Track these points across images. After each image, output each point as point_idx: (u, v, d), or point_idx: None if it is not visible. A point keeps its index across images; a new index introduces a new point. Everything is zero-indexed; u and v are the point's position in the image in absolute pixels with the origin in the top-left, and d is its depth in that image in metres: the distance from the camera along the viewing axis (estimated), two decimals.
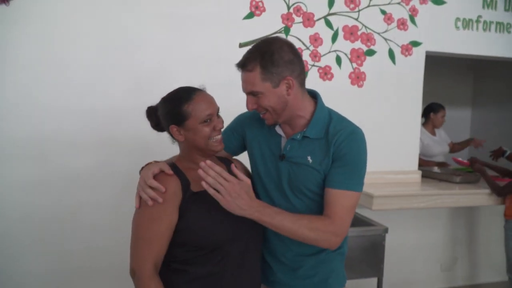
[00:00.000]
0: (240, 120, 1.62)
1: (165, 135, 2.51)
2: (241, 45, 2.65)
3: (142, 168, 1.40)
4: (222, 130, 1.40)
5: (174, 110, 1.33)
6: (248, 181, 1.23)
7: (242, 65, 1.33)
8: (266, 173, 1.46)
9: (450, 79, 6.24)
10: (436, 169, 3.43)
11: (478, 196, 2.97)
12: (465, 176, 3.20)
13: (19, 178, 2.35)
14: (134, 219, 1.33)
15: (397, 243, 3.15)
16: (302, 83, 1.38)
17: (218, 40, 2.62)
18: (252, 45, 1.38)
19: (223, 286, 1.32)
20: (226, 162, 1.50)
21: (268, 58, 1.29)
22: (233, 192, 1.19)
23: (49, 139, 2.37)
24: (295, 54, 1.34)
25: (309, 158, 1.37)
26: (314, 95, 1.47)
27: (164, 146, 2.47)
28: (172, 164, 1.39)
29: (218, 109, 1.38)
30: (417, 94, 3.11)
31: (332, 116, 1.42)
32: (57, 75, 2.36)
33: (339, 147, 1.33)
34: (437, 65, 4.27)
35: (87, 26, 2.38)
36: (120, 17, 2.43)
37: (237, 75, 2.57)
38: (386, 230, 2.47)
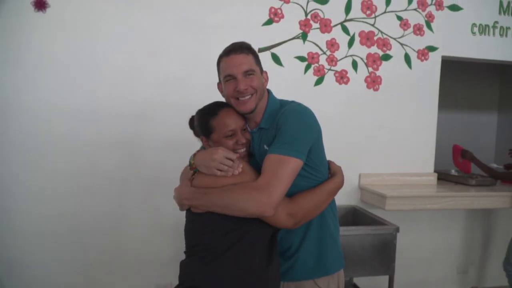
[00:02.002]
0: None
1: (187, 135, 2.69)
2: (260, 50, 2.78)
3: (194, 154, 1.49)
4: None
5: (203, 123, 1.50)
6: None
7: (238, 48, 1.48)
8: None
9: (475, 83, 6.18)
10: (453, 171, 3.46)
11: (494, 199, 3.00)
12: (481, 179, 3.23)
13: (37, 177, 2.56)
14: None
15: (412, 243, 3.21)
16: None
17: None
18: (230, 44, 1.52)
19: None
20: None
21: (255, 52, 1.54)
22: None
23: (80, 139, 2.58)
24: None
25: (265, 146, 1.48)
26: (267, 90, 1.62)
27: (186, 147, 2.65)
28: None
29: (243, 125, 1.50)
30: (433, 98, 3.17)
31: (282, 104, 1.54)
32: (89, 78, 2.56)
33: (278, 123, 1.44)
34: (460, 69, 4.29)
35: (116, 32, 2.58)
36: (147, 24, 2.62)
37: None
38: (397, 230, 2.54)
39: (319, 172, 1.53)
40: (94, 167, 2.61)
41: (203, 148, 1.58)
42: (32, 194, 2.54)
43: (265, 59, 2.79)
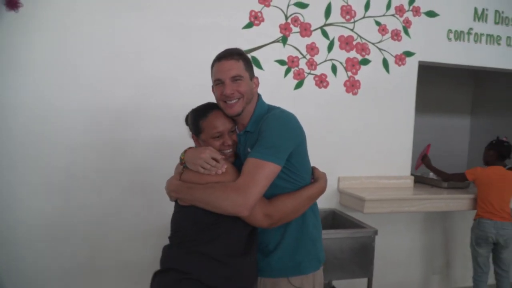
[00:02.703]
0: None
1: (167, 138, 2.65)
2: None
3: (185, 150, 1.57)
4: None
5: (194, 123, 1.60)
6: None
7: (229, 55, 1.55)
8: None
9: (449, 88, 6.34)
10: (431, 174, 3.54)
11: (467, 201, 3.09)
12: (454, 182, 3.31)
13: (25, 179, 2.49)
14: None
15: (390, 246, 3.25)
16: None
17: (219, 49, 2.70)
18: (225, 50, 1.60)
19: None
20: None
21: (247, 57, 1.61)
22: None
23: (56, 140, 2.51)
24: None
25: (248, 149, 1.54)
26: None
27: (168, 147, 2.62)
28: None
29: (230, 127, 1.58)
30: (410, 102, 3.23)
31: (269, 110, 1.61)
32: (67, 80, 2.50)
33: (260, 128, 1.50)
34: (436, 74, 4.38)
35: (96, 34, 2.52)
36: (129, 26, 2.58)
37: None
38: (375, 232, 2.57)
39: (299, 177, 1.58)
40: (70, 170, 2.55)
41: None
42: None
43: None
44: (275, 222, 1.48)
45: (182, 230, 1.50)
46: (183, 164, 1.55)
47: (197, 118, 1.57)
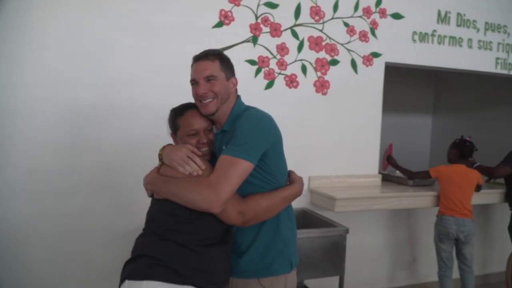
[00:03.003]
0: None
1: (132, 138, 2.58)
2: None
3: (164, 146, 1.62)
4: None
5: (172, 121, 1.65)
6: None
7: (204, 56, 1.59)
8: None
9: (411, 88, 6.53)
10: (397, 172, 3.63)
11: (431, 198, 3.18)
12: (419, 180, 3.40)
13: None
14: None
15: (359, 243, 3.31)
16: None
17: (188, 48, 2.67)
18: (204, 50, 1.64)
19: None
20: None
21: (225, 58, 1.64)
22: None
23: (17, 141, 2.39)
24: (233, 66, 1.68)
25: (224, 147, 1.55)
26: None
27: (133, 147, 2.56)
28: None
29: (206, 126, 1.61)
30: (377, 102, 3.29)
31: (246, 110, 1.60)
32: (28, 79, 2.38)
33: (235, 127, 1.51)
34: (400, 74, 4.49)
35: (58, 31, 2.42)
36: (92, 23, 2.48)
37: None
38: (347, 231, 2.61)
39: (274, 178, 1.59)
40: (32, 172, 2.43)
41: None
42: None
43: None
44: (248, 221, 1.49)
45: (154, 221, 1.52)
46: (161, 160, 1.60)
47: (175, 116, 1.63)
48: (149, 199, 1.63)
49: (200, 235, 1.46)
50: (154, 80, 2.62)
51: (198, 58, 1.61)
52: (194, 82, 1.60)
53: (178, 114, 1.63)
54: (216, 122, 1.65)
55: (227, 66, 1.62)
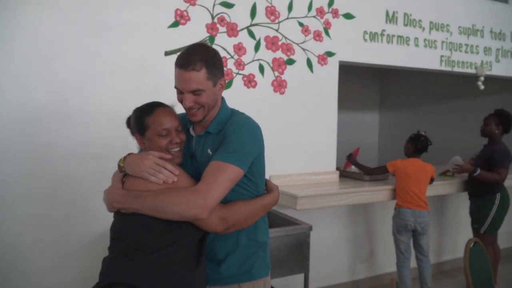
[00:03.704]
0: None
1: (88, 143, 2.46)
2: (167, 53, 2.67)
3: (124, 157, 1.47)
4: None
5: (138, 121, 1.50)
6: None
7: (189, 64, 1.42)
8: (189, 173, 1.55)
9: (359, 85, 6.76)
10: (352, 168, 3.72)
11: (387, 192, 3.30)
12: (375, 175, 3.52)
13: None
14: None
15: (320, 240, 3.36)
16: None
17: (143, 48, 2.62)
18: (187, 49, 1.49)
19: None
20: None
21: (211, 61, 1.47)
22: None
23: None
24: (222, 61, 1.57)
25: (209, 150, 1.52)
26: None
27: (87, 155, 2.43)
28: None
29: (177, 125, 1.50)
30: (333, 100, 3.36)
31: (233, 114, 1.59)
32: None
33: (226, 132, 1.48)
34: (347, 72, 4.63)
35: (3, 32, 2.25)
36: (40, 22, 2.34)
37: (163, 82, 2.60)
38: (310, 228, 2.63)
39: (255, 185, 1.57)
40: None
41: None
42: None
43: (172, 62, 2.67)
44: (230, 227, 1.44)
45: (126, 239, 1.39)
46: (123, 172, 1.46)
47: (142, 116, 1.49)
48: (104, 205, 1.49)
49: (178, 248, 1.38)
50: (108, 82, 2.51)
51: (181, 66, 1.44)
52: (179, 92, 1.49)
53: (146, 113, 1.49)
54: (198, 124, 1.58)
55: (214, 69, 1.48)
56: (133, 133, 1.56)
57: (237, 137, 1.45)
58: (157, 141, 1.47)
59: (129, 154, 1.50)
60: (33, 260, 2.40)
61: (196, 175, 1.46)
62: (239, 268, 1.55)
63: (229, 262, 1.54)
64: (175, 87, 1.49)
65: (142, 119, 1.49)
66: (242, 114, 1.60)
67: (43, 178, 2.40)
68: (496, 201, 3.44)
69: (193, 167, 1.53)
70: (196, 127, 1.60)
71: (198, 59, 1.43)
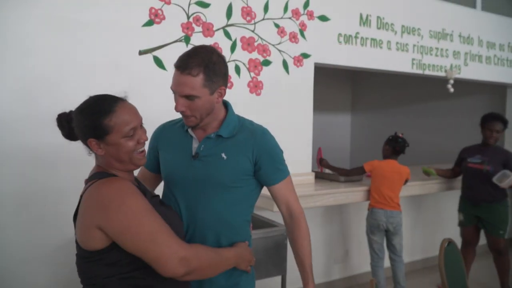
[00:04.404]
0: (154, 136, 1.66)
1: (59, 145, 2.36)
2: (141, 53, 2.61)
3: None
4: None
5: (94, 123, 1.24)
6: None
7: (185, 68, 1.36)
8: (179, 173, 1.52)
9: (331, 87, 6.83)
10: (327, 170, 3.74)
11: (362, 193, 3.34)
12: (350, 176, 3.55)
13: None
14: (126, 225, 1.18)
15: None
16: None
17: (116, 47, 2.54)
18: (191, 50, 1.42)
19: None
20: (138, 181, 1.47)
21: (212, 67, 1.39)
22: None
23: None
24: (227, 67, 1.49)
25: (223, 154, 1.49)
26: (224, 102, 1.59)
27: (57, 157, 2.34)
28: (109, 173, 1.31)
29: (141, 119, 1.33)
30: (308, 102, 3.37)
31: (240, 120, 1.59)
32: None
33: (261, 147, 1.51)
34: (320, 74, 4.67)
35: None
36: (9, 18, 2.23)
37: (137, 82, 2.53)
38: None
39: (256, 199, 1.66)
40: None
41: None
42: None
43: (147, 62, 2.63)
44: (191, 272, 1.23)
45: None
46: None
47: (99, 117, 1.23)
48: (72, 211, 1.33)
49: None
50: (80, 82, 2.42)
51: (178, 67, 1.38)
52: (173, 92, 1.43)
53: (104, 113, 1.23)
54: (196, 128, 1.51)
55: (214, 77, 1.39)
56: (80, 138, 1.29)
57: (275, 151, 1.56)
58: (123, 145, 1.25)
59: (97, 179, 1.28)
60: (6, 264, 2.28)
61: (198, 175, 1.47)
62: (226, 283, 1.52)
63: (214, 279, 1.47)
64: (171, 88, 1.43)
65: (100, 121, 1.23)
66: (250, 121, 1.62)
67: (11, 181, 2.28)
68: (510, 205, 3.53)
69: (195, 167, 1.49)
70: (196, 130, 1.52)
71: (196, 64, 1.36)
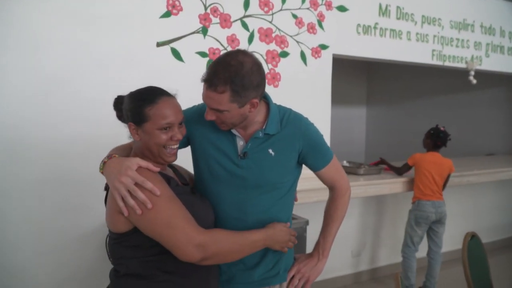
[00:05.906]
0: (189, 119, 1.52)
1: (74, 138, 2.36)
2: (159, 44, 2.59)
3: (104, 162, 1.32)
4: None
5: (136, 109, 1.31)
6: None
7: (211, 84, 1.31)
8: (226, 171, 1.48)
9: (346, 80, 6.75)
10: (345, 162, 3.70)
11: (383, 186, 3.29)
12: (368, 168, 3.51)
13: None
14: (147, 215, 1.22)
15: (317, 234, 3.32)
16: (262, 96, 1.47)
17: (133, 40, 2.53)
18: (220, 59, 1.35)
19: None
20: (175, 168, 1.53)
21: (239, 82, 1.30)
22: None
23: None
24: (262, 74, 1.39)
25: (270, 150, 1.48)
26: (264, 95, 1.53)
27: (76, 152, 2.34)
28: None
29: (182, 119, 1.36)
30: (326, 94, 3.33)
31: (281, 111, 1.56)
32: None
33: (306, 137, 1.53)
34: (335, 66, 4.62)
35: None
36: (24, 12, 2.22)
37: (154, 75, 2.52)
38: (307, 223, 2.61)
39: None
40: None
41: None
42: None
43: (164, 54, 2.61)
44: (208, 258, 1.25)
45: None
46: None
47: (142, 104, 1.30)
48: (97, 200, 1.41)
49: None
50: (96, 76, 2.41)
51: (206, 81, 1.32)
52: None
53: (148, 102, 1.30)
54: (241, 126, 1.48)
55: (242, 91, 1.31)
56: (125, 121, 1.37)
57: (319, 137, 1.59)
58: (156, 136, 1.30)
59: (112, 156, 1.33)
60: (30, 254, 2.30)
61: (247, 174, 1.46)
62: (271, 271, 1.55)
63: (262, 266, 1.53)
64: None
65: (142, 108, 1.29)
66: (291, 110, 1.60)
67: (24, 177, 2.29)
68: None
69: (243, 166, 1.46)
70: (238, 130, 1.48)
71: (222, 81, 1.29)
